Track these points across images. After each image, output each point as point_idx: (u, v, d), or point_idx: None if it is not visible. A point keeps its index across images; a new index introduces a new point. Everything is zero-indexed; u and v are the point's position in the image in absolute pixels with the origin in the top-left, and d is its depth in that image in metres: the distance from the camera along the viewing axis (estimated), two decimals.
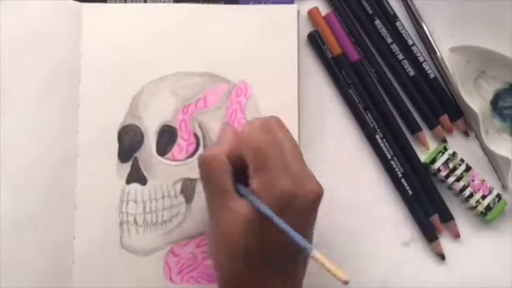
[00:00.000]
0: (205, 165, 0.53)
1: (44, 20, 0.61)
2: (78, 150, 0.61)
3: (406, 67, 0.65)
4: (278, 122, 0.53)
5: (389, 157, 0.64)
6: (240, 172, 0.52)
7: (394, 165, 0.64)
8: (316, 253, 0.47)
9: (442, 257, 0.64)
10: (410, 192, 0.63)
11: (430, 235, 0.63)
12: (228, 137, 0.54)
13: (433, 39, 0.65)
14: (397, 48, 0.65)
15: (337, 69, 0.65)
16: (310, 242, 0.52)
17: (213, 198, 0.53)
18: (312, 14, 0.65)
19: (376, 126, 0.64)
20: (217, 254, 0.53)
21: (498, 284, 0.63)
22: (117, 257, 0.60)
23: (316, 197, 0.51)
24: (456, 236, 0.64)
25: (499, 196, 0.63)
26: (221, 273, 0.53)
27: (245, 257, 0.50)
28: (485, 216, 0.63)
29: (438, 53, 0.65)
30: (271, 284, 0.51)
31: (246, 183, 0.52)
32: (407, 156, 0.64)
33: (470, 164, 0.64)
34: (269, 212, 0.49)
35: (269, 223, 0.49)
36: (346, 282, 0.46)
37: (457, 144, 0.65)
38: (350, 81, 0.64)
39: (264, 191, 0.50)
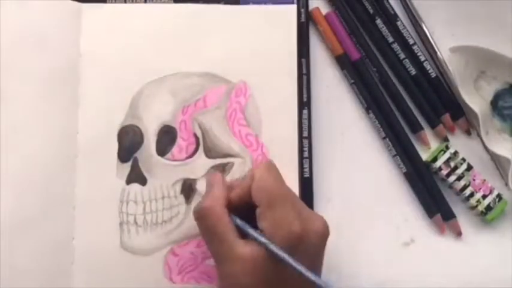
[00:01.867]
0: (202, 217, 0.54)
1: (44, 20, 0.61)
2: (77, 150, 0.61)
3: (407, 66, 0.65)
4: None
5: (391, 156, 0.64)
6: (243, 214, 0.53)
7: (396, 164, 0.64)
8: None
9: (459, 234, 0.64)
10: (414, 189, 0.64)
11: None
12: (219, 185, 0.55)
13: (433, 39, 0.65)
14: (398, 48, 0.65)
15: (339, 68, 0.65)
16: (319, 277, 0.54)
17: (216, 248, 0.54)
18: (313, 14, 0.65)
19: (378, 126, 0.64)
20: None
21: (498, 283, 0.63)
22: (117, 258, 0.60)
23: (324, 235, 0.53)
24: (458, 234, 0.64)
25: (499, 196, 0.63)
26: None
27: None
28: (486, 216, 0.63)
29: (438, 53, 0.65)
30: None
31: (251, 224, 0.53)
32: (409, 155, 0.64)
33: (472, 163, 0.64)
34: (281, 253, 0.50)
35: (278, 264, 0.50)
36: None
37: (459, 143, 0.65)
38: (352, 81, 0.64)
39: (275, 231, 0.51)
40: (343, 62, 0.65)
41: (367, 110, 0.64)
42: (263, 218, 0.52)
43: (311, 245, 0.52)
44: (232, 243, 0.52)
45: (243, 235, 0.53)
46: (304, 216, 0.53)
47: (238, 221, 0.53)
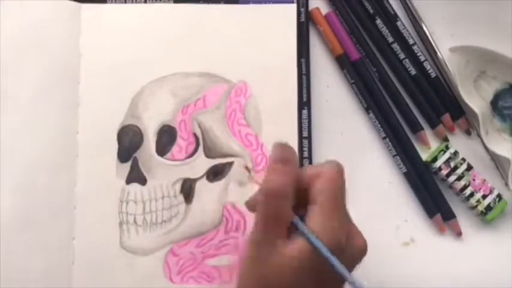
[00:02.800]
0: (271, 197, 0.50)
1: (43, 20, 0.61)
2: (77, 150, 0.61)
3: (407, 66, 0.65)
4: None
5: (391, 156, 0.64)
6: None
7: (396, 164, 0.64)
8: None
9: (459, 234, 0.64)
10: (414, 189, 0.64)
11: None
12: (296, 165, 0.52)
13: (433, 39, 0.65)
14: (398, 48, 0.65)
15: (339, 68, 0.65)
16: None
17: (264, 232, 0.50)
18: (313, 14, 0.65)
19: (378, 126, 0.64)
20: None
21: (498, 283, 0.63)
22: (116, 257, 0.60)
23: (363, 253, 0.52)
24: (458, 234, 0.64)
25: (499, 196, 0.63)
26: None
27: None
28: (486, 216, 0.63)
29: (438, 53, 0.65)
30: None
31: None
32: (409, 155, 0.64)
33: (472, 163, 0.64)
34: (327, 252, 0.49)
35: (322, 265, 0.49)
36: None
37: (459, 143, 0.65)
38: (352, 81, 0.64)
39: (322, 236, 0.49)
40: (343, 62, 0.65)
41: (367, 110, 0.64)
42: (315, 218, 0.50)
43: (349, 259, 0.51)
44: (283, 233, 0.50)
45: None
46: (351, 231, 0.52)
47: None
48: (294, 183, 0.50)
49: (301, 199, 0.51)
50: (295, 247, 0.49)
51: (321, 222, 0.50)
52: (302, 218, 0.50)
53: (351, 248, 0.51)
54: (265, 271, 0.50)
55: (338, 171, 0.52)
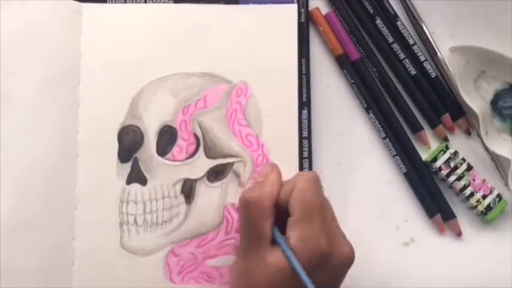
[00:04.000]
0: (248, 209, 0.53)
1: (43, 20, 0.61)
2: (78, 150, 0.61)
3: (407, 66, 0.65)
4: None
5: (391, 156, 0.64)
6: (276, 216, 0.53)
7: (396, 164, 0.64)
8: None
9: (459, 234, 0.64)
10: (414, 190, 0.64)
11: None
12: (274, 181, 0.55)
13: (433, 39, 0.65)
14: (398, 48, 0.65)
15: (339, 68, 0.65)
16: None
17: (248, 243, 0.54)
18: (313, 14, 0.65)
19: (378, 126, 0.64)
20: None
21: (498, 283, 0.63)
22: (117, 258, 0.60)
23: (350, 261, 0.54)
24: (458, 234, 0.64)
25: (499, 196, 0.63)
26: None
27: None
28: (486, 216, 0.63)
29: (438, 53, 0.65)
30: None
31: (281, 229, 0.53)
32: (409, 155, 0.64)
33: (472, 163, 0.64)
34: (299, 268, 0.50)
35: (296, 280, 0.50)
36: None
37: (459, 143, 0.65)
38: (352, 81, 0.64)
39: (304, 245, 0.51)
40: (343, 62, 0.65)
41: (367, 110, 0.64)
42: (293, 228, 0.52)
43: (334, 267, 0.52)
44: (265, 245, 0.52)
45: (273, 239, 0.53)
46: (334, 238, 0.53)
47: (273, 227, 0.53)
48: (272, 198, 0.53)
49: (286, 215, 0.53)
50: (276, 256, 0.51)
51: (299, 232, 0.52)
52: (284, 230, 0.52)
53: (337, 256, 0.53)
54: (253, 283, 0.52)
55: (310, 180, 0.54)
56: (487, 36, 0.64)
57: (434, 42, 0.65)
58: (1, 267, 0.58)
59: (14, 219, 0.58)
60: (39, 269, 0.58)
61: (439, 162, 0.63)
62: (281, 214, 0.54)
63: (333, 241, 0.52)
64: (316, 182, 0.54)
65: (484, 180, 0.64)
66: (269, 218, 0.53)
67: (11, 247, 0.58)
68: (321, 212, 0.53)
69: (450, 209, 0.64)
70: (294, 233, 0.52)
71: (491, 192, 0.63)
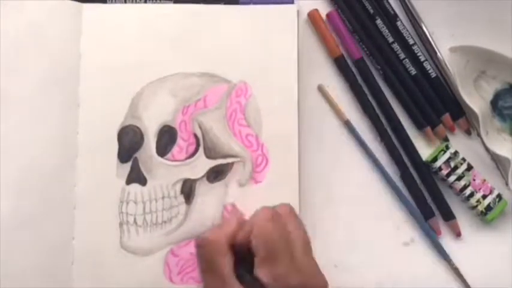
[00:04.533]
0: (204, 247, 0.55)
1: (43, 20, 0.61)
2: (78, 150, 0.60)
3: (407, 66, 0.65)
4: (290, 212, 0.55)
5: (391, 156, 0.64)
6: (244, 257, 0.54)
7: (396, 164, 0.64)
8: None
9: (458, 234, 0.64)
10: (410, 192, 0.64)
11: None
12: (232, 222, 0.56)
13: (433, 39, 0.65)
14: (398, 47, 0.65)
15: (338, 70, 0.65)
16: None
17: (210, 282, 0.54)
18: (312, 16, 0.65)
19: (378, 126, 0.64)
20: None
21: (498, 283, 0.63)
22: (116, 258, 0.60)
23: None
24: (458, 234, 0.64)
25: (499, 196, 0.63)
26: None
27: None
28: (485, 216, 0.63)
29: (438, 53, 0.65)
30: None
31: (250, 268, 0.53)
32: (409, 155, 0.64)
33: (472, 163, 0.64)
34: None
35: None
36: None
37: (459, 143, 0.65)
38: (350, 82, 0.65)
39: (273, 283, 0.51)
40: (340, 63, 0.65)
41: (364, 111, 0.64)
42: (260, 268, 0.52)
43: None
44: (227, 281, 0.52)
45: (239, 276, 0.53)
46: (305, 271, 0.53)
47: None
48: (227, 236, 0.54)
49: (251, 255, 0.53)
50: None
51: (267, 271, 0.52)
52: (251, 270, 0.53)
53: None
54: None
55: (268, 218, 0.54)
56: (487, 36, 0.64)
57: (434, 42, 0.65)
58: (1, 267, 0.58)
59: (13, 219, 0.58)
60: (39, 269, 0.58)
61: (439, 162, 0.63)
62: (248, 255, 0.54)
63: (305, 274, 0.52)
64: (277, 218, 0.54)
65: (484, 180, 0.64)
66: (226, 257, 0.53)
67: (11, 247, 0.58)
68: (287, 249, 0.53)
69: (450, 210, 0.64)
70: (261, 273, 0.52)
71: (491, 192, 0.63)
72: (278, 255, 0.52)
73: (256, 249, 0.53)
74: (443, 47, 0.65)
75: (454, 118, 0.65)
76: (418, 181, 0.64)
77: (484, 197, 0.63)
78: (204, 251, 0.55)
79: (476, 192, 0.63)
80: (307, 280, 0.52)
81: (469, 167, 0.64)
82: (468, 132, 0.65)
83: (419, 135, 0.65)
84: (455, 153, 0.64)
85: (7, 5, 0.60)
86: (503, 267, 0.64)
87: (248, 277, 0.53)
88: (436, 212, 0.64)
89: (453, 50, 0.65)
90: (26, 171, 0.59)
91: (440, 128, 0.65)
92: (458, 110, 0.65)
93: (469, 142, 0.65)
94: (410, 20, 0.66)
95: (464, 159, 0.64)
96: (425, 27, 0.65)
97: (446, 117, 0.65)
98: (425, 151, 0.65)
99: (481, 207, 0.63)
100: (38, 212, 0.59)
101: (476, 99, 0.65)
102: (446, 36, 0.65)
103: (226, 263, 0.53)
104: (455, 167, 0.63)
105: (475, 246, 0.64)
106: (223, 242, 0.54)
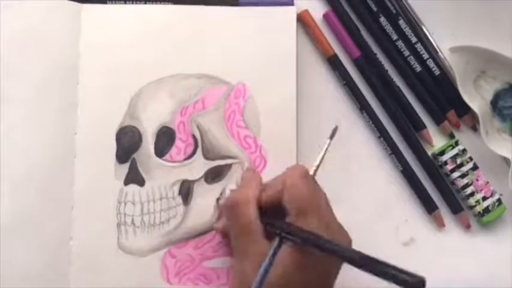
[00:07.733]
0: (233, 208, 0.54)
1: (43, 20, 0.61)
2: (76, 151, 0.61)
3: (412, 63, 0.65)
4: (307, 171, 0.55)
5: (389, 155, 0.64)
6: (273, 215, 0.54)
7: (393, 163, 0.64)
8: None
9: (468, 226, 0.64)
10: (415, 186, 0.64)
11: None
12: (256, 184, 0.56)
13: (433, 39, 0.65)
14: (402, 45, 0.65)
15: (332, 69, 0.65)
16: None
17: (239, 243, 0.54)
18: (303, 17, 0.65)
19: (372, 125, 0.64)
20: None
21: (498, 283, 0.63)
22: (114, 258, 0.60)
23: (350, 244, 0.54)
24: (467, 226, 0.64)
25: (499, 201, 0.63)
26: None
27: None
28: (482, 217, 0.63)
29: (439, 52, 0.65)
30: None
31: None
32: (414, 150, 0.65)
33: (475, 159, 0.64)
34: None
35: (302, 267, 0.51)
36: None
37: (466, 143, 0.65)
38: (344, 82, 0.65)
39: None
40: (334, 63, 0.65)
41: (361, 109, 0.64)
42: (296, 223, 0.52)
43: None
44: (259, 240, 0.52)
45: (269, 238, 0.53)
46: (332, 229, 0.53)
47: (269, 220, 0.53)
48: (256, 193, 0.54)
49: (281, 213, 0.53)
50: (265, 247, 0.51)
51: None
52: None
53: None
54: (246, 278, 0.52)
55: (299, 176, 0.54)
56: (487, 36, 0.64)
57: (434, 42, 0.65)
58: None
59: (11, 219, 0.58)
60: (37, 269, 0.59)
61: (445, 157, 0.63)
62: (280, 214, 0.54)
63: (332, 231, 0.53)
64: (306, 177, 0.54)
65: (487, 182, 0.64)
66: (255, 217, 0.53)
67: (8, 247, 0.58)
68: (315, 207, 0.53)
69: (458, 202, 0.64)
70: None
71: (492, 195, 0.63)
72: (309, 214, 0.52)
73: (288, 208, 0.53)
74: (444, 47, 0.65)
75: (460, 115, 0.65)
76: (421, 175, 0.64)
77: (484, 198, 0.63)
78: (235, 211, 0.54)
79: (477, 192, 0.63)
80: (335, 235, 0.52)
81: (475, 167, 0.64)
82: (474, 128, 0.65)
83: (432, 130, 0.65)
84: (464, 150, 0.64)
85: (7, 5, 0.60)
86: (503, 267, 0.64)
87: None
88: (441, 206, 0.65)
89: (453, 50, 0.65)
90: (24, 172, 0.59)
91: (445, 124, 0.65)
92: (464, 107, 0.65)
93: (477, 142, 0.65)
94: (410, 20, 0.65)
95: (471, 158, 0.64)
96: (425, 27, 0.65)
97: (452, 113, 0.65)
98: (429, 149, 0.65)
99: (479, 208, 0.63)
100: (36, 212, 0.59)
101: (476, 99, 0.65)
102: (447, 36, 0.66)
103: (256, 224, 0.53)
104: (461, 164, 0.63)
105: (475, 246, 0.64)
106: (251, 204, 0.54)
